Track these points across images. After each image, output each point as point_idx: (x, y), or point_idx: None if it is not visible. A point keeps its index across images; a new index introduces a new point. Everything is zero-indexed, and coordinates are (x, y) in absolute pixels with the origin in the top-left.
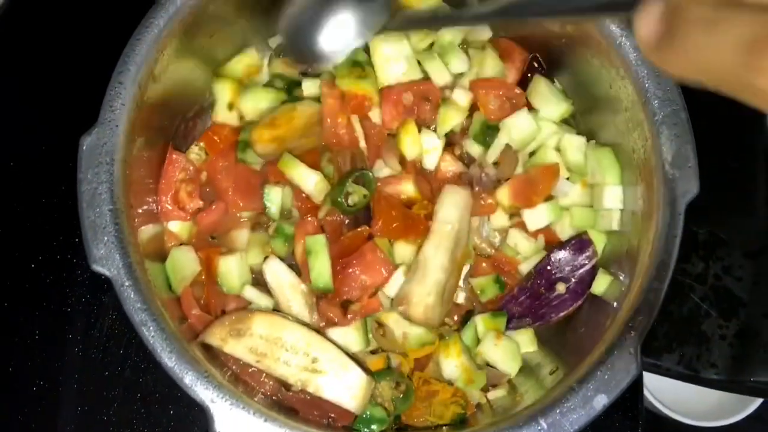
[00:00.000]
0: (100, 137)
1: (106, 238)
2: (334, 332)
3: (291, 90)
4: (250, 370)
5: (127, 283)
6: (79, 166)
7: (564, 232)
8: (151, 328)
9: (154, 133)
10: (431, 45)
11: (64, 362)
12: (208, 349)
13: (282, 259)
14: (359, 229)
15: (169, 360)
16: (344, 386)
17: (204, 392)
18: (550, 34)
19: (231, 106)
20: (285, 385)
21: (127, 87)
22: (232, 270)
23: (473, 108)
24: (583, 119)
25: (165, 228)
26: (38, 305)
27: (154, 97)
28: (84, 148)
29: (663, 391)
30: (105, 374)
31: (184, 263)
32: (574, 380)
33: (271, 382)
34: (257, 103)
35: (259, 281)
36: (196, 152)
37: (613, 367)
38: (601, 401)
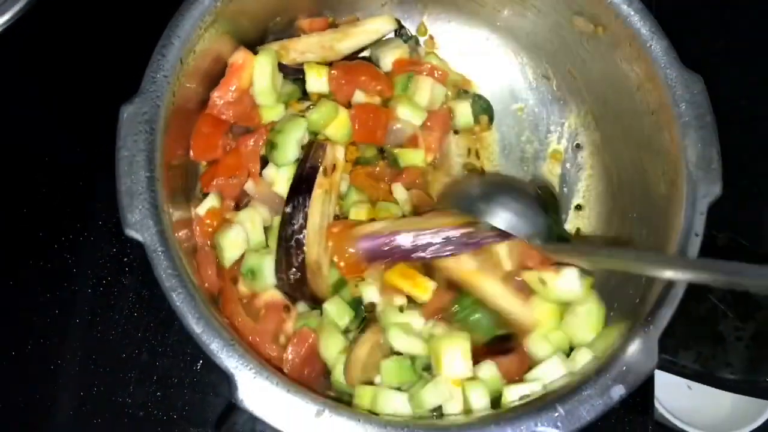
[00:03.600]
0: (141, 107)
1: (140, 205)
2: None
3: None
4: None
5: (160, 249)
6: (119, 134)
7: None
8: (181, 294)
9: (193, 106)
10: None
11: (82, 343)
12: None
13: None
14: None
15: (197, 326)
16: None
17: (229, 360)
18: (577, 36)
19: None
20: None
21: (170, 60)
22: None
23: None
24: (607, 122)
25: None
26: (59, 286)
27: (194, 71)
28: (125, 116)
29: (673, 402)
30: (122, 356)
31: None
32: (592, 370)
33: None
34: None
35: None
36: None
37: (631, 358)
38: (618, 392)
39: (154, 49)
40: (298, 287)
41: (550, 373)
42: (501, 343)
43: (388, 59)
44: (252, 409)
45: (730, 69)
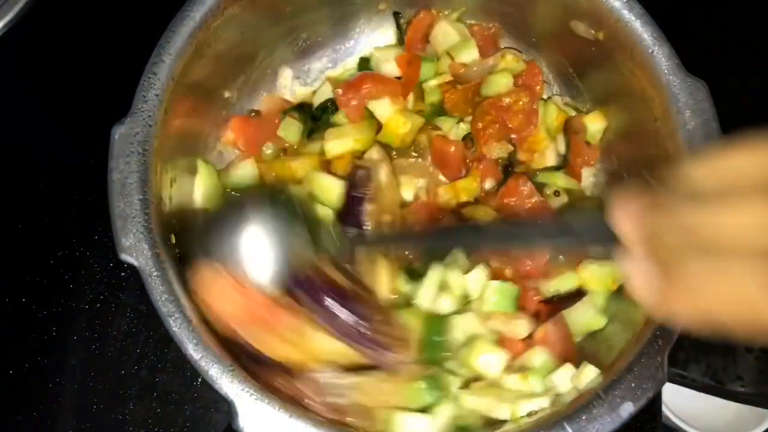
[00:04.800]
0: (132, 127)
1: (134, 228)
2: None
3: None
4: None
5: (155, 273)
6: (111, 155)
7: None
8: (178, 319)
9: (186, 124)
10: None
11: (81, 360)
12: None
13: None
14: None
15: (195, 352)
16: None
17: (229, 386)
18: (579, 42)
19: None
20: None
21: (161, 78)
22: None
23: None
24: (609, 130)
25: None
26: (55, 302)
27: (186, 89)
28: (116, 137)
29: (680, 406)
30: (121, 373)
31: None
32: (600, 387)
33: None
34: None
35: None
36: None
37: (640, 374)
38: (627, 409)
39: (145, 68)
40: None
41: (561, 383)
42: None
43: (390, 64)
44: None
45: (731, 71)
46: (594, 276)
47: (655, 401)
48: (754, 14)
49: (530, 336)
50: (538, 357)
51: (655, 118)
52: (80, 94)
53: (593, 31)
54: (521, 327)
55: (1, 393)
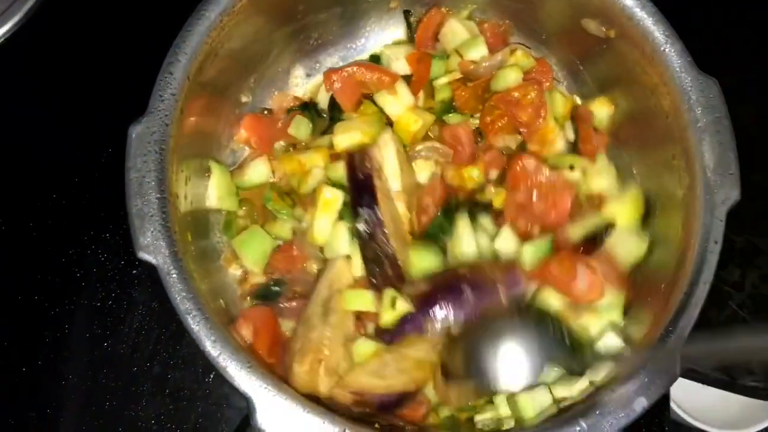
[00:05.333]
0: (149, 126)
1: (152, 227)
2: None
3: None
4: None
5: (173, 272)
6: (128, 154)
7: None
8: (196, 316)
9: (201, 123)
10: None
11: (93, 357)
12: None
13: None
14: None
15: (213, 349)
16: None
17: (247, 382)
18: (590, 39)
19: None
20: None
21: (177, 77)
22: None
23: None
24: (622, 126)
25: None
26: (68, 300)
27: (201, 88)
28: (133, 136)
29: (687, 400)
30: (133, 370)
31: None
32: (614, 382)
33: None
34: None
35: None
36: None
37: (653, 370)
38: (641, 403)
39: (161, 67)
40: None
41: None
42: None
43: (400, 62)
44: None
45: (742, 69)
46: (618, 210)
47: (664, 396)
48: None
49: None
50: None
51: (666, 114)
52: (82, 95)
53: (604, 29)
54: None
55: (14, 390)
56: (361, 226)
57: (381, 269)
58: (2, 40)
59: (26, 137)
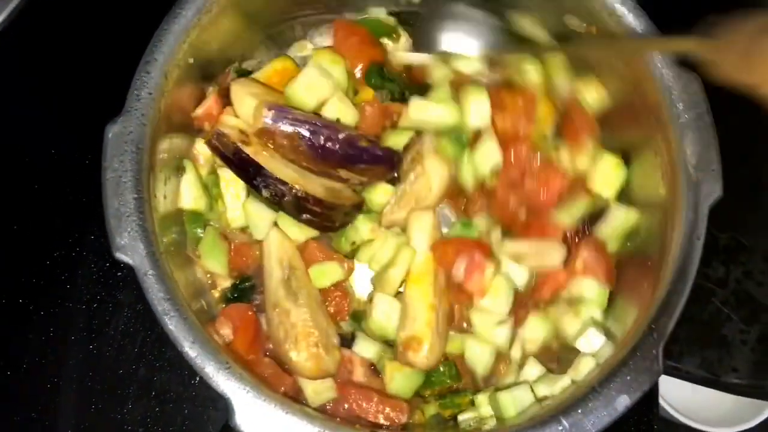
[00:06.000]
0: (126, 126)
1: (129, 227)
2: None
3: None
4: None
5: (150, 272)
6: (105, 154)
7: None
8: (174, 317)
9: (179, 121)
10: None
11: (78, 360)
12: None
13: None
14: None
15: (191, 350)
16: None
17: (225, 383)
18: (574, 35)
19: None
20: None
21: (154, 76)
22: None
23: None
24: (605, 120)
25: None
26: (53, 302)
27: (179, 87)
28: (110, 136)
29: (677, 397)
30: (119, 372)
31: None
32: (596, 381)
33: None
34: None
35: None
36: None
37: (635, 368)
38: (623, 402)
39: (138, 66)
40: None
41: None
42: None
43: None
44: None
45: None
46: (600, 179)
47: (652, 393)
48: (746, 8)
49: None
50: (586, 286)
51: (648, 111)
52: (76, 94)
53: (586, 25)
54: (553, 253)
55: (0, 393)
56: (266, 194)
57: (308, 212)
58: None
59: (14, 137)
